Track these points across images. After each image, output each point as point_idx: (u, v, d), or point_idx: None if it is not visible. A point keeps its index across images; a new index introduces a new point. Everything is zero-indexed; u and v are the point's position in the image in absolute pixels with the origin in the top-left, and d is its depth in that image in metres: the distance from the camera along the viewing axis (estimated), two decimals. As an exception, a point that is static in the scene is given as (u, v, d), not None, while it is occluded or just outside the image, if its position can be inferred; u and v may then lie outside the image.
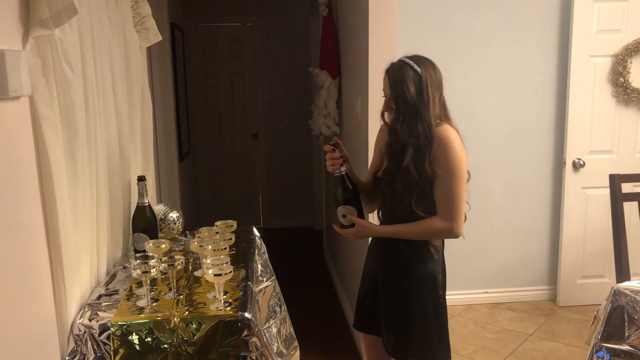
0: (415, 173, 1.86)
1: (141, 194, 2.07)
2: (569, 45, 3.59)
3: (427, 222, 1.90)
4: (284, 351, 2.22)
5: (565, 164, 3.69)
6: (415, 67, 1.86)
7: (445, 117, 1.93)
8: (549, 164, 3.82)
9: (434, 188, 1.88)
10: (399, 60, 1.90)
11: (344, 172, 1.97)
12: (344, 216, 1.98)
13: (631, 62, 3.55)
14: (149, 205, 2.10)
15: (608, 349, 2.03)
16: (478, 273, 3.89)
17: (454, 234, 1.92)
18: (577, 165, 3.67)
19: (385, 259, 2.04)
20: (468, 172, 1.97)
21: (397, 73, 1.88)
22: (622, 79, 3.55)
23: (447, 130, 1.87)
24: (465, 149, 1.91)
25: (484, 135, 3.74)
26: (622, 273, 2.45)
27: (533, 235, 3.90)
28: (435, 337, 1.99)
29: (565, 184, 3.71)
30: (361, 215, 2.00)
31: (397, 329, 2.01)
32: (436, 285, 1.98)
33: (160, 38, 2.43)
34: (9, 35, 1.31)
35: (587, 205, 3.73)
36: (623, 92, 3.57)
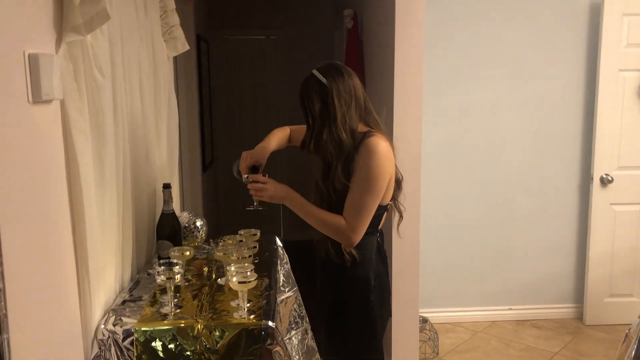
0: (323, 187, 1.86)
1: (166, 201, 2.07)
2: (597, 59, 3.54)
3: (335, 218, 1.84)
4: (305, 363, 2.19)
5: (592, 179, 3.62)
6: (321, 78, 1.82)
7: (372, 122, 1.88)
8: (575, 179, 3.76)
9: (348, 192, 1.83)
10: (309, 74, 1.87)
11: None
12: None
13: (661, 77, 3.49)
14: (174, 212, 2.10)
15: (640, 368, 1.97)
16: (502, 289, 3.82)
17: (348, 242, 1.85)
18: (605, 181, 3.60)
19: (322, 271, 2.04)
20: (400, 181, 1.96)
21: (303, 88, 1.86)
22: (652, 94, 3.48)
23: (375, 142, 1.80)
24: (393, 162, 1.87)
25: (509, 149, 3.70)
26: (654, 291, 2.37)
27: (559, 252, 3.82)
28: (365, 343, 1.95)
29: (593, 200, 3.64)
30: None
31: (325, 331, 2.03)
32: (367, 289, 1.92)
33: (187, 47, 2.45)
34: (43, 40, 1.32)
35: (615, 222, 3.65)
36: (653, 107, 3.51)
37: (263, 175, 1.95)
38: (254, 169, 2.04)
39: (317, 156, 1.92)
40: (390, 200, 1.93)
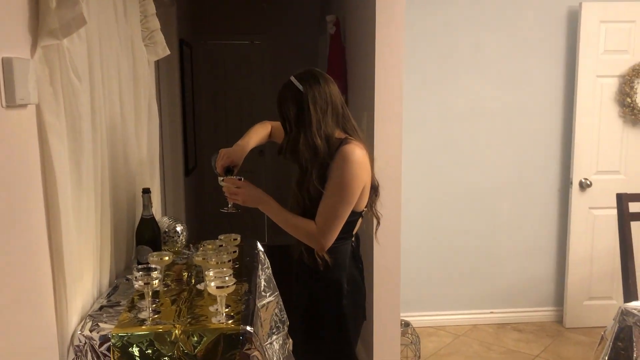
0: (298, 192, 1.88)
1: (146, 206, 2.06)
2: (575, 66, 3.59)
3: (306, 222, 1.87)
4: (286, 368, 2.19)
5: (572, 184, 3.67)
6: (297, 84, 1.83)
7: (350, 129, 1.89)
8: (555, 184, 3.81)
9: (322, 198, 1.84)
10: (287, 80, 1.88)
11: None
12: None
13: (638, 83, 3.55)
14: (153, 217, 2.09)
15: (616, 370, 2.00)
16: (484, 293, 3.85)
17: (319, 247, 1.87)
18: (584, 186, 3.65)
19: (297, 275, 2.07)
20: (377, 187, 1.96)
21: (281, 94, 1.87)
22: (629, 100, 3.54)
23: (351, 150, 1.80)
24: (368, 170, 1.87)
25: (490, 154, 3.73)
26: (630, 293, 2.42)
27: (539, 256, 3.87)
28: (338, 346, 1.96)
29: (572, 204, 3.69)
30: None
31: (300, 334, 2.04)
32: (340, 293, 1.93)
33: (168, 52, 2.45)
34: (18, 44, 1.32)
35: (594, 226, 3.70)
36: (630, 112, 3.57)
37: (239, 178, 1.95)
38: (229, 170, 2.04)
39: (293, 162, 1.93)
40: (366, 207, 1.94)
